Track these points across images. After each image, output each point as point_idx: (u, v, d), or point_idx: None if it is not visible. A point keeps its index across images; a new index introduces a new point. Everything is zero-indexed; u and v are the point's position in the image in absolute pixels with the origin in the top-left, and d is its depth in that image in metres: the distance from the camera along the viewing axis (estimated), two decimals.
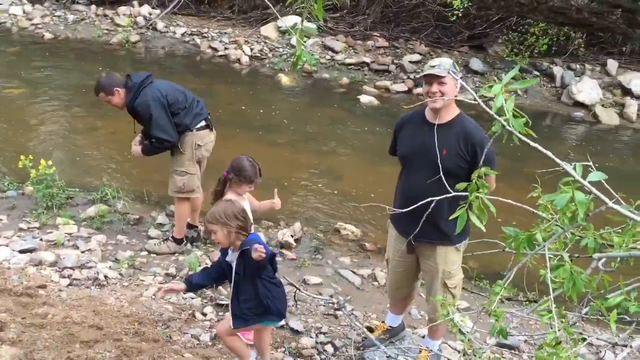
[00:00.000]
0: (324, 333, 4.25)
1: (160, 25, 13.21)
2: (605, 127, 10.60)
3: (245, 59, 12.27)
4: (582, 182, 1.52)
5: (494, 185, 3.48)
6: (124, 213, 5.82)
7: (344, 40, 12.99)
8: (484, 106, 1.57)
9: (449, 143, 3.34)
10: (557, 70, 11.86)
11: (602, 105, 11.00)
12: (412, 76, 11.76)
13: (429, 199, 2.19)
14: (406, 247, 3.60)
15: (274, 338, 4.09)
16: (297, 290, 4.44)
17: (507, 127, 1.51)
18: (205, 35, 13.20)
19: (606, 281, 1.90)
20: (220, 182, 4.12)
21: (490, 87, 1.51)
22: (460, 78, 3.38)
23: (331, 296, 4.78)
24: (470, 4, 11.81)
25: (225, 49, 12.62)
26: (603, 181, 1.71)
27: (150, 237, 5.44)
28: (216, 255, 5.16)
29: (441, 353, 3.90)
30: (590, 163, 1.74)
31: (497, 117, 1.50)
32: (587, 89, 11.15)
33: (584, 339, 1.67)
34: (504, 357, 4.30)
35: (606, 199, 1.53)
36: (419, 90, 11.28)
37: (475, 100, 1.61)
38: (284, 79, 11.60)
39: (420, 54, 12.39)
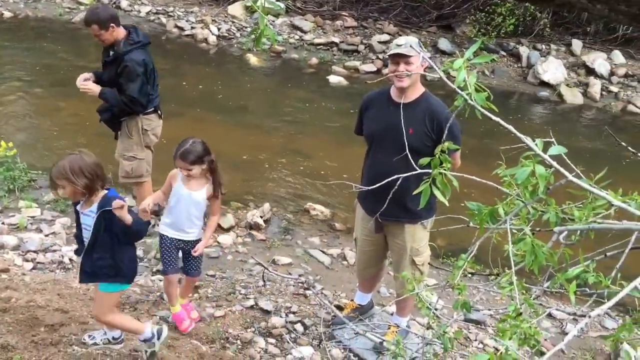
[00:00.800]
0: (294, 312, 4.26)
1: (124, 3, 12.90)
2: (569, 106, 10.79)
3: (212, 39, 12.08)
4: (542, 155, 1.54)
5: (459, 162, 3.51)
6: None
7: (313, 20, 12.90)
8: (447, 81, 1.57)
9: (415, 122, 3.35)
10: (523, 51, 11.99)
11: (567, 85, 11.18)
12: (381, 56, 11.75)
13: (395, 177, 2.19)
14: (374, 226, 3.61)
15: (244, 318, 4.09)
16: (266, 270, 4.44)
17: (470, 101, 1.51)
18: (171, 14, 12.95)
19: (567, 254, 1.94)
20: None
21: (452, 62, 1.51)
22: (429, 58, 3.40)
23: (300, 275, 4.79)
24: None
25: (192, 28, 12.40)
26: (564, 156, 1.73)
27: None
28: None
29: (409, 329, 3.95)
30: (553, 139, 1.76)
31: (460, 91, 1.50)
32: (552, 69, 11.31)
33: (544, 312, 1.70)
34: (470, 332, 4.39)
35: (566, 172, 1.56)
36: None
37: (440, 76, 1.61)
38: (253, 59, 11.49)
39: (389, 34, 12.38)
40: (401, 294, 3.58)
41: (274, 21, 12.63)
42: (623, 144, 2.43)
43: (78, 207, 3.21)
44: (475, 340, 4.32)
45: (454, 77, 1.74)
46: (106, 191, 3.13)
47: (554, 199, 1.84)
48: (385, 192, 2.44)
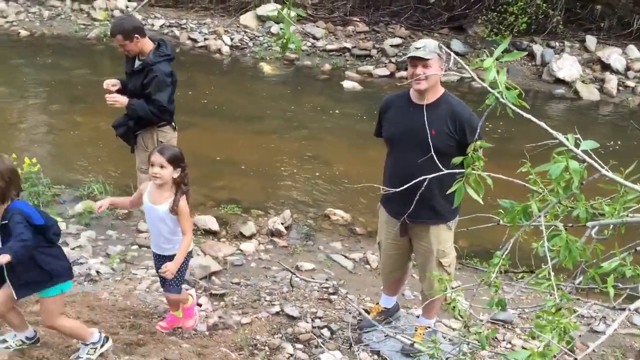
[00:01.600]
0: (320, 317, 4.28)
1: (137, 18, 13.05)
2: (586, 103, 10.71)
3: (225, 49, 12.17)
4: (575, 151, 1.54)
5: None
6: (112, 208, 5.77)
7: (324, 26, 12.95)
8: (478, 80, 1.58)
9: (437, 123, 3.35)
10: (537, 49, 11.93)
11: (583, 82, 11.10)
12: (393, 60, 11.76)
13: (422, 178, 2.20)
14: (399, 230, 3.61)
15: (271, 325, 4.11)
16: (293, 276, 4.46)
17: (501, 100, 1.52)
18: (184, 26, 13.07)
19: (599, 250, 1.93)
20: None
21: (482, 61, 1.52)
22: (445, 60, 3.41)
23: (327, 279, 4.80)
24: None
25: (205, 39, 12.51)
26: (591, 152, 1.74)
27: (140, 231, 5.41)
28: (209, 246, 5.17)
29: (437, 329, 3.95)
30: (578, 135, 1.77)
31: (491, 89, 1.51)
32: (567, 66, 11.24)
33: (580, 307, 1.70)
34: (492, 338, 4.37)
35: (600, 167, 1.56)
36: (402, 73, 11.31)
37: (470, 75, 1.62)
38: (266, 68, 11.55)
39: (401, 38, 12.39)
40: (428, 296, 3.58)
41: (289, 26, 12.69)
42: None
43: None
44: (504, 340, 4.31)
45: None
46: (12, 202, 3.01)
47: (582, 195, 1.85)
48: (410, 194, 2.45)
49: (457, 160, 1.78)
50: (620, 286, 2.10)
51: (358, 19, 13.16)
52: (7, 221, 2.94)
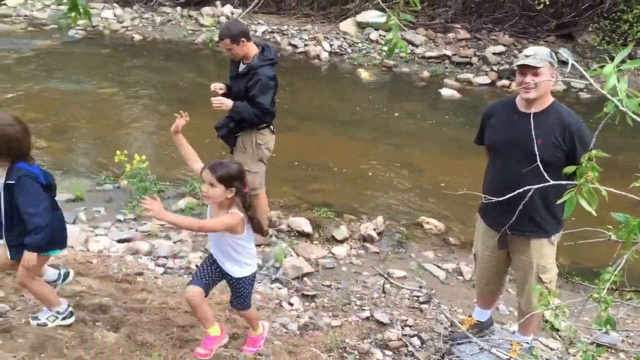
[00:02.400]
0: (410, 326, 4.23)
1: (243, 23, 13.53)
2: None
3: (324, 55, 12.36)
4: None
5: None
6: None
7: (424, 33, 12.84)
8: (597, 87, 1.51)
9: (544, 133, 3.22)
10: None
11: None
12: (495, 68, 11.46)
13: (526, 188, 2.13)
14: (498, 242, 3.50)
15: (360, 329, 4.12)
16: (385, 281, 4.44)
17: (621, 108, 1.45)
18: (285, 32, 13.41)
19: None
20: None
21: (602, 67, 1.45)
22: (555, 68, 3.27)
23: (420, 287, 4.75)
24: None
25: (305, 45, 12.77)
26: None
27: None
28: (302, 248, 5.26)
29: (534, 346, 3.79)
30: None
31: (610, 97, 1.44)
32: None
33: None
34: (599, 356, 4.12)
35: None
36: (504, 82, 10.99)
37: (589, 82, 1.56)
38: (364, 74, 11.61)
39: (505, 45, 12.06)
40: (526, 311, 3.45)
41: (384, 36, 12.71)
42: None
43: None
44: None
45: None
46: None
47: None
48: (511, 204, 2.37)
49: (569, 169, 1.71)
50: None
51: (459, 26, 12.95)
52: (13, 181, 2.94)
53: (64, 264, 4.05)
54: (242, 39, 4.72)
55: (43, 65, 10.95)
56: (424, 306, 4.53)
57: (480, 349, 3.41)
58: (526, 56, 3.26)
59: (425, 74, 11.46)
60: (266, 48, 4.89)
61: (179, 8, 14.52)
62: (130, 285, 4.12)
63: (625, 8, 11.69)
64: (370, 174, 7.23)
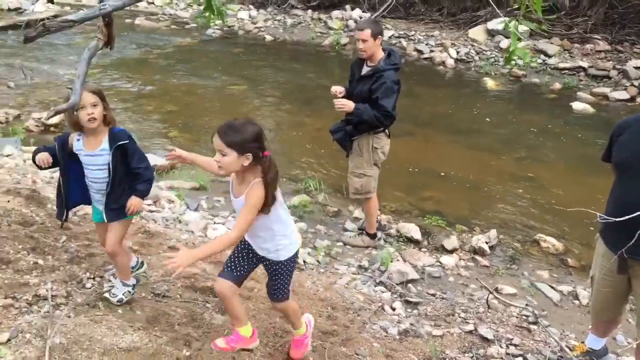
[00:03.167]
0: (516, 345, 4.06)
1: None
2: None
3: (450, 62, 12.16)
4: None
5: None
6: (324, 205, 6.14)
7: (559, 43, 12.22)
8: None
9: None
10: None
11: None
12: (636, 83, 10.66)
13: None
14: (617, 266, 3.28)
15: (462, 342, 4.02)
16: (490, 295, 4.30)
17: None
18: (412, 37, 13.36)
19: None
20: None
21: None
22: None
23: (527, 305, 4.55)
24: None
25: (431, 51, 12.65)
26: None
27: (347, 230, 5.67)
28: (409, 254, 5.23)
29: None
30: None
31: None
32: None
33: None
34: None
35: None
36: None
37: None
38: (490, 83, 11.28)
39: None
40: None
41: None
42: None
43: (79, 151, 3.12)
44: None
45: None
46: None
47: None
48: (633, 226, 2.22)
49: None
50: None
51: (599, 37, 12.18)
52: (126, 140, 3.09)
53: (182, 247, 4.31)
54: (380, 36, 4.81)
55: (181, 61, 11.75)
56: (532, 327, 4.33)
57: None
58: None
59: (557, 85, 10.90)
60: (392, 53, 4.92)
61: (309, 11, 14.95)
62: None
63: None
64: (487, 185, 7.02)
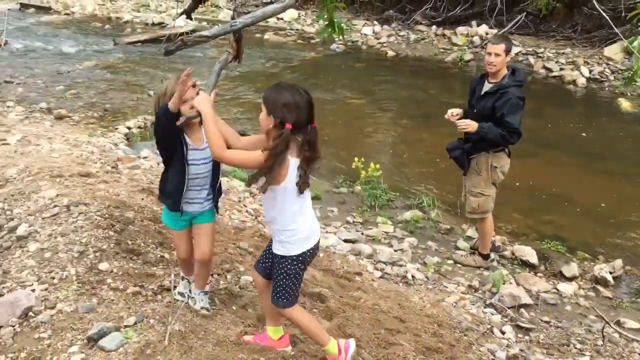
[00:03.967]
0: None
1: None
2: None
3: (581, 81, 11.56)
4: None
5: None
6: (436, 221, 6.08)
7: None
8: None
9: None
10: None
11: None
12: None
13: None
14: None
15: None
16: (607, 325, 4.04)
17: None
18: (540, 55, 12.85)
19: None
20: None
21: None
22: None
23: None
24: None
25: (561, 69, 12.10)
26: None
27: (458, 248, 5.57)
28: (523, 278, 5.04)
29: None
30: None
31: None
32: None
33: None
34: None
35: None
36: None
37: None
38: (625, 104, 10.57)
39: None
40: None
41: None
42: None
43: (190, 142, 2.93)
44: None
45: None
46: None
47: None
48: None
49: None
50: None
51: None
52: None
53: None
54: (510, 53, 4.79)
55: (305, 75, 12.15)
56: None
57: None
58: None
59: None
60: (517, 70, 4.83)
61: (434, 27, 14.86)
62: (349, 282, 4.39)
63: None
64: (616, 212, 6.57)
